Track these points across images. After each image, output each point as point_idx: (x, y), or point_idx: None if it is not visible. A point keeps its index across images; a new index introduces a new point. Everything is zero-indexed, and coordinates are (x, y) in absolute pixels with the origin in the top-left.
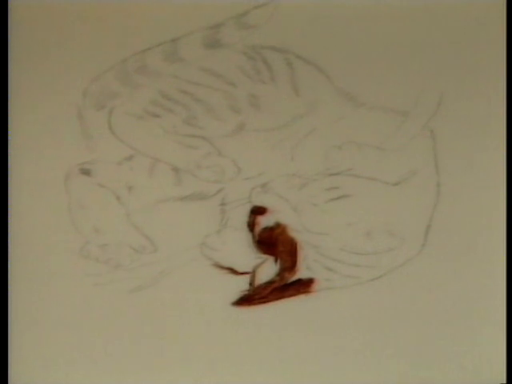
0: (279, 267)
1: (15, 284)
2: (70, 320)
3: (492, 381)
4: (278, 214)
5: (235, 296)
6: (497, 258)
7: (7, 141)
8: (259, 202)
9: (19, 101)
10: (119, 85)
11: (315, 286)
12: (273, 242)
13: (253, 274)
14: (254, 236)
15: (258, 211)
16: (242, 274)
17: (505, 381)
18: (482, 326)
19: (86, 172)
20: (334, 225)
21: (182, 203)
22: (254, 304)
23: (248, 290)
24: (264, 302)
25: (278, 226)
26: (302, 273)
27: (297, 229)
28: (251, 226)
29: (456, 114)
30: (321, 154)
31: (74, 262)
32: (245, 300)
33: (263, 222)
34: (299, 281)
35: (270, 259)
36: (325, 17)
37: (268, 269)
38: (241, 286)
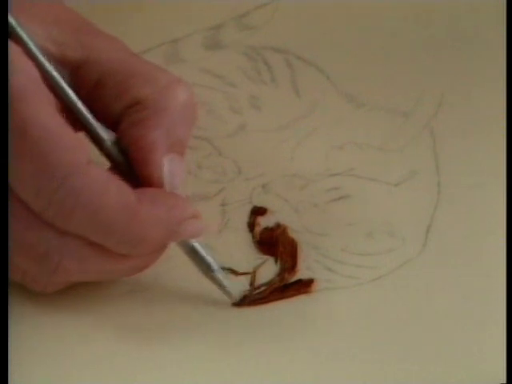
0: (279, 268)
1: (15, 284)
2: (70, 320)
3: (492, 381)
4: (278, 214)
5: (235, 296)
6: (497, 257)
7: (7, 138)
8: (260, 202)
9: None
10: None
11: (315, 287)
12: (273, 242)
13: (253, 274)
14: (254, 236)
15: (258, 212)
16: (243, 274)
17: (505, 381)
18: (482, 326)
19: None
20: (334, 225)
21: None
22: (255, 304)
23: (248, 291)
24: (264, 303)
25: (278, 226)
26: (302, 273)
27: (297, 229)
28: (251, 226)
29: (456, 114)
30: (321, 155)
31: None
32: (245, 300)
33: (264, 222)
34: (299, 281)
35: (271, 260)
36: (325, 17)
37: (268, 269)
38: (241, 286)
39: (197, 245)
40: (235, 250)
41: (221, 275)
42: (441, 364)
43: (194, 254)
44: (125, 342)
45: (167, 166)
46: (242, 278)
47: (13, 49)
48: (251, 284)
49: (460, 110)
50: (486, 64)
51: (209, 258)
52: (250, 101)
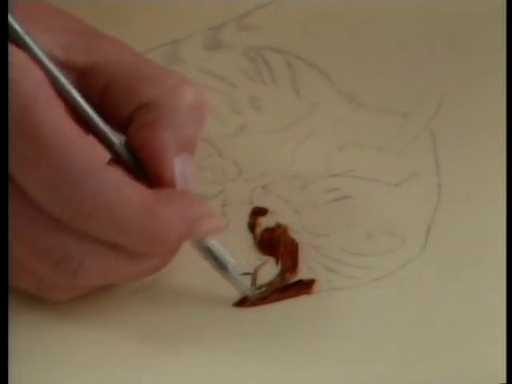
0: (280, 268)
1: (15, 285)
2: (70, 322)
3: (492, 381)
4: (279, 215)
5: (236, 297)
6: (497, 258)
7: (7, 137)
8: (260, 203)
9: None
10: None
11: (316, 287)
12: (274, 242)
13: (254, 274)
14: (255, 237)
15: (258, 212)
16: (243, 274)
17: (505, 381)
18: (482, 325)
19: None
20: (334, 226)
21: None
22: (255, 305)
23: (249, 291)
24: (265, 303)
25: (279, 227)
26: (303, 274)
27: (298, 230)
28: (252, 227)
29: (456, 114)
30: (322, 155)
31: None
32: (246, 301)
33: (264, 223)
34: (300, 282)
35: (271, 260)
36: (325, 18)
37: (269, 270)
38: (257, 285)
39: (211, 244)
40: (236, 250)
41: (236, 274)
42: (441, 364)
43: (208, 253)
44: (125, 342)
45: (179, 166)
46: (243, 278)
47: (19, 55)
48: (252, 284)
49: (460, 110)
50: (486, 64)
51: (224, 257)
52: (250, 101)
